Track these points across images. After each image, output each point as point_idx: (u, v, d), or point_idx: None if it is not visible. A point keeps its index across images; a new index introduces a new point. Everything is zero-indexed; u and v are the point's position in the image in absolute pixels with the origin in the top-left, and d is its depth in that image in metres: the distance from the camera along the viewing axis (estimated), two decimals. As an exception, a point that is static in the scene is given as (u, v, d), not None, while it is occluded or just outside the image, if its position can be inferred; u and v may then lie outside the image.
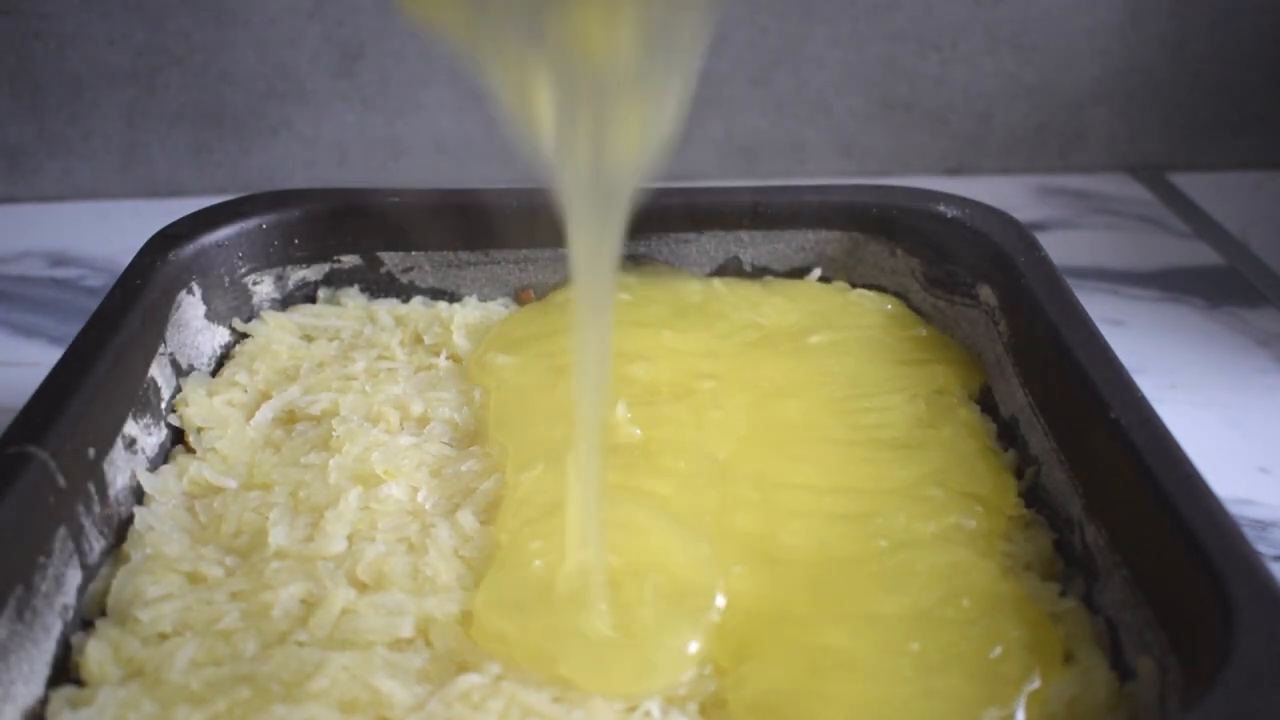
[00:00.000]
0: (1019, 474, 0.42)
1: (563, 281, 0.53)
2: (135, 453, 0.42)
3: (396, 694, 0.33)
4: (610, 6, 0.26)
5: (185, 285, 0.47)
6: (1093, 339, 0.41)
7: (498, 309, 0.52)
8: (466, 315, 0.51)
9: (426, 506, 0.41)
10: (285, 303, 0.51)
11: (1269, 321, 0.62)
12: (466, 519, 0.40)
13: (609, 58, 0.27)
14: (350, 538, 0.39)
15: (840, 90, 0.77)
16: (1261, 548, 0.46)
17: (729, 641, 0.35)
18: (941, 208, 0.51)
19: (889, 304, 0.51)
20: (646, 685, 0.34)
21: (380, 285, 0.53)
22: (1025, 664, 0.34)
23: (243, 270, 0.50)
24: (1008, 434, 0.44)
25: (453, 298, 0.53)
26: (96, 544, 0.38)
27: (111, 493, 0.39)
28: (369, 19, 0.74)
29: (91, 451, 0.38)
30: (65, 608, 0.36)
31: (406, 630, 0.36)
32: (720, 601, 0.36)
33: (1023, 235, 0.49)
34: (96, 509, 0.38)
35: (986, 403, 0.46)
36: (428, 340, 0.50)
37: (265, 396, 0.46)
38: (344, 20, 0.74)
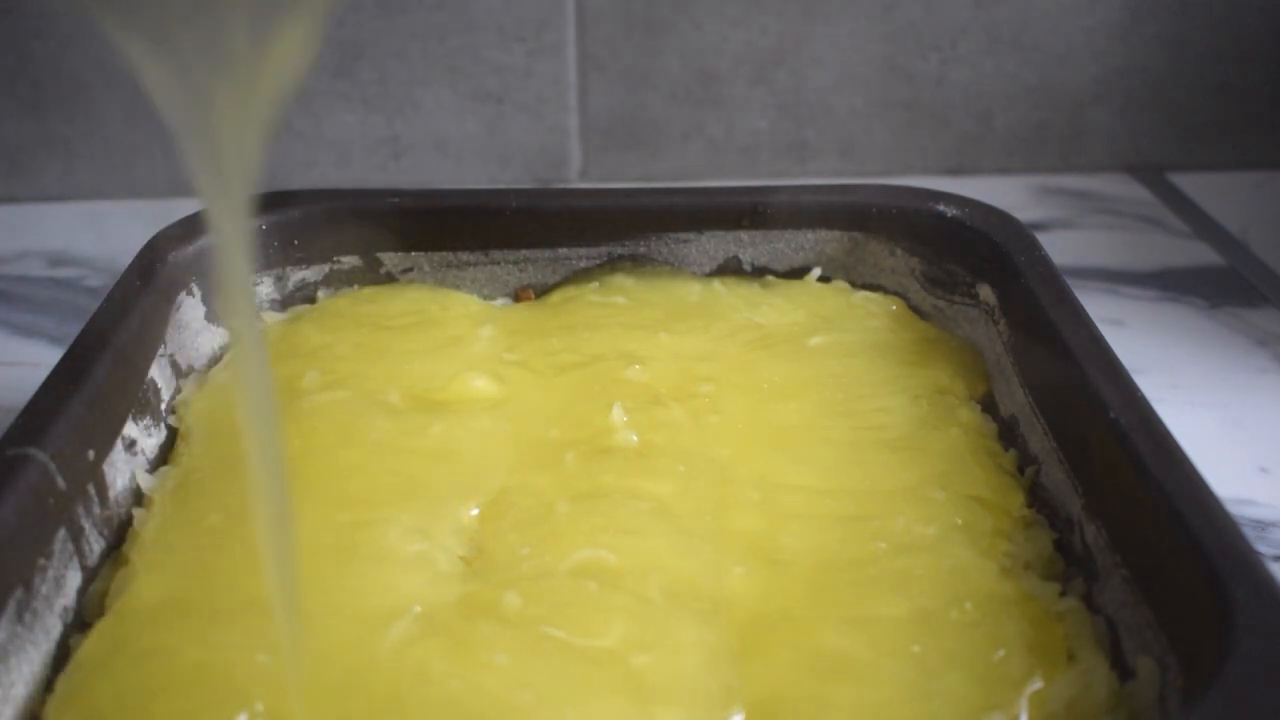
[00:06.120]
0: (1019, 474, 0.42)
1: (562, 281, 0.53)
2: (135, 454, 0.42)
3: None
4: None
5: (185, 286, 0.47)
6: (1093, 339, 0.41)
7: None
8: (466, 315, 0.51)
9: (426, 507, 0.41)
10: (285, 303, 0.51)
11: (1269, 321, 0.62)
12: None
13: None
14: (350, 538, 0.39)
15: (840, 90, 0.77)
16: (1261, 548, 0.46)
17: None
18: (941, 207, 0.51)
19: (894, 304, 0.51)
20: None
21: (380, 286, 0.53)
22: (1028, 665, 0.33)
23: (242, 271, 0.50)
24: (1008, 434, 0.44)
25: (452, 298, 0.53)
26: (96, 545, 0.38)
27: (111, 494, 0.39)
28: (369, 19, 0.74)
29: (91, 453, 0.38)
30: (65, 609, 0.36)
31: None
32: None
33: (1023, 235, 0.49)
34: (96, 510, 0.38)
35: (986, 403, 0.46)
36: (428, 340, 0.50)
37: (265, 397, 0.46)
38: (344, 20, 0.74)
